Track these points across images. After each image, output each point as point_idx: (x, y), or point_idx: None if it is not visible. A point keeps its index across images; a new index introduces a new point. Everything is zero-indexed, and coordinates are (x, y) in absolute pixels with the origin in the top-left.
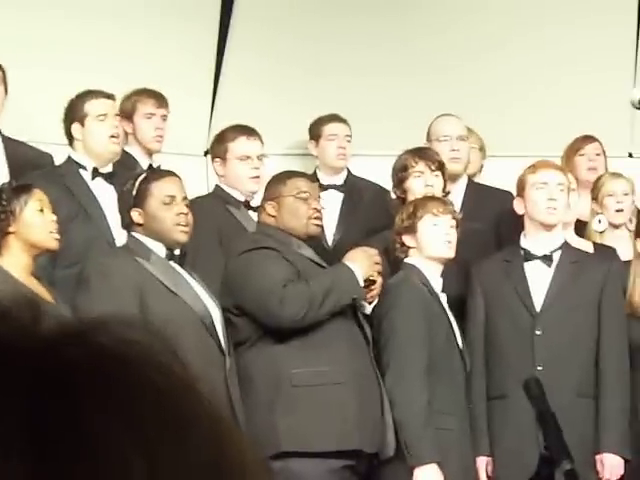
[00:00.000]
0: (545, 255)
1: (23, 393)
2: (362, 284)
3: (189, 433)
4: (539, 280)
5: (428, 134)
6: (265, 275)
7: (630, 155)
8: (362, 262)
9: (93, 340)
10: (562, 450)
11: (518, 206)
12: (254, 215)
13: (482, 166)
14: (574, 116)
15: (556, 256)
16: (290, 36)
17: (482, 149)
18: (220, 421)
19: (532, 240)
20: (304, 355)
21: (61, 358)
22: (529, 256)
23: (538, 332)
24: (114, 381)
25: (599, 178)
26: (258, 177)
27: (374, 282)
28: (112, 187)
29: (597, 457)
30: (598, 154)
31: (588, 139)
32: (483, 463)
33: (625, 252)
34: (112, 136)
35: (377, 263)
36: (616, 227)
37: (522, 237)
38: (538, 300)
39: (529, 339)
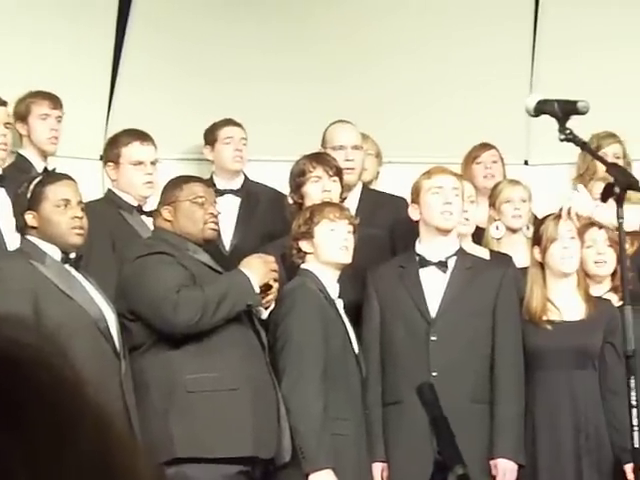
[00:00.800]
0: (440, 261)
1: None
2: (258, 290)
3: (76, 437)
4: (434, 286)
5: (323, 141)
6: (159, 280)
7: (526, 162)
8: (258, 268)
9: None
10: (455, 455)
11: (413, 212)
12: (147, 220)
13: (378, 172)
14: (471, 123)
15: (451, 262)
16: (187, 41)
17: (378, 155)
18: (110, 425)
19: (427, 246)
20: (199, 361)
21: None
22: (424, 262)
23: (433, 338)
24: (2, 383)
25: (497, 185)
26: (151, 182)
27: (270, 287)
28: (3, 190)
29: (492, 462)
30: (495, 161)
31: (485, 147)
32: (379, 469)
33: (522, 258)
34: None
35: (273, 270)
36: (513, 233)
37: (417, 243)
38: (433, 306)
39: (424, 345)
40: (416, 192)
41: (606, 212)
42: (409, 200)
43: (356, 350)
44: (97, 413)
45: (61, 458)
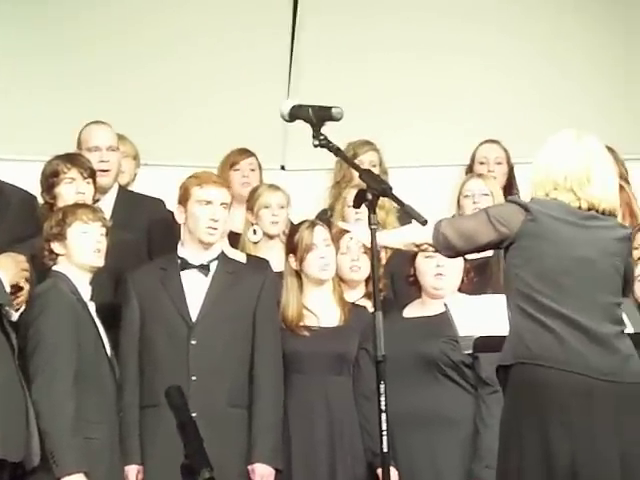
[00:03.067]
0: (202, 265)
1: None
2: (8, 289)
3: None
4: (196, 290)
5: (78, 142)
6: None
7: (283, 168)
8: (9, 268)
9: None
10: (202, 459)
11: (179, 215)
12: None
13: (135, 174)
14: (229, 128)
15: (213, 266)
16: None
17: (136, 157)
18: None
19: (189, 249)
20: None
21: None
22: (186, 265)
23: (193, 342)
24: None
25: (256, 189)
26: None
27: (21, 289)
28: None
29: (249, 467)
30: (253, 169)
31: (244, 153)
32: (134, 472)
33: (278, 263)
34: None
35: (24, 270)
36: (270, 239)
37: (179, 246)
38: (194, 310)
39: (184, 349)
40: (185, 196)
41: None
42: (173, 201)
43: (109, 353)
44: None
45: None
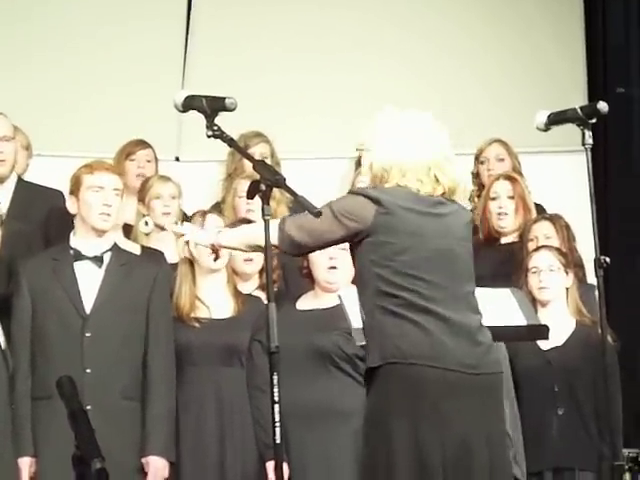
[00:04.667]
0: (95, 256)
1: None
2: None
3: None
4: (90, 281)
5: None
6: None
7: (177, 159)
8: None
9: None
10: (93, 449)
11: (71, 205)
12: None
13: (28, 165)
14: (124, 119)
15: (106, 257)
16: None
17: (28, 148)
18: None
19: (82, 240)
20: None
21: None
22: (79, 256)
23: (88, 334)
24: None
25: (147, 180)
26: None
27: None
28: None
29: (143, 460)
30: (149, 160)
31: (140, 144)
32: (27, 464)
33: (171, 254)
34: None
35: None
36: (162, 229)
37: (72, 236)
38: (88, 302)
39: (78, 341)
40: (76, 185)
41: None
42: (66, 192)
43: (2, 345)
44: None
45: None
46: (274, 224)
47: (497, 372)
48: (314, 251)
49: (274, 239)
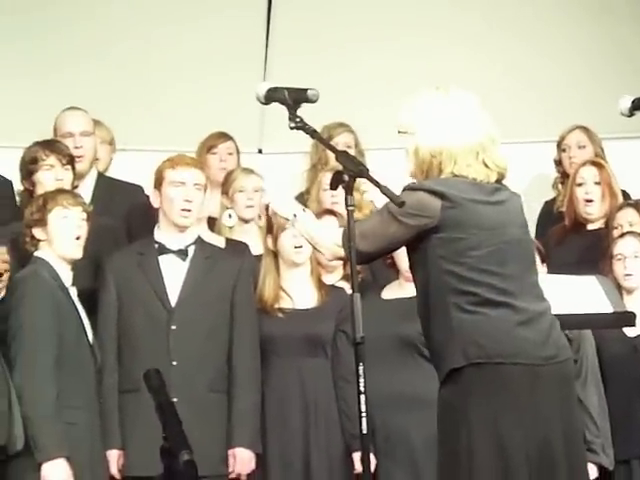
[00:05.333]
0: (180, 250)
1: None
2: None
3: None
4: (174, 275)
5: (54, 129)
6: None
7: (260, 151)
8: None
9: None
10: (181, 441)
11: (154, 199)
12: None
13: (111, 159)
14: (206, 112)
15: (191, 251)
16: None
17: (112, 142)
18: None
19: (166, 234)
20: None
21: None
22: (163, 250)
23: (173, 327)
24: None
25: (230, 173)
26: None
27: (0, 275)
28: None
29: (229, 451)
30: (231, 153)
31: (221, 137)
32: (115, 456)
33: (254, 247)
34: None
35: (4, 261)
36: (246, 222)
37: (156, 230)
38: (173, 295)
39: (164, 334)
40: (159, 180)
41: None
42: (150, 186)
43: (90, 338)
44: None
45: None
46: (340, 233)
47: (570, 357)
48: (378, 257)
49: (340, 251)
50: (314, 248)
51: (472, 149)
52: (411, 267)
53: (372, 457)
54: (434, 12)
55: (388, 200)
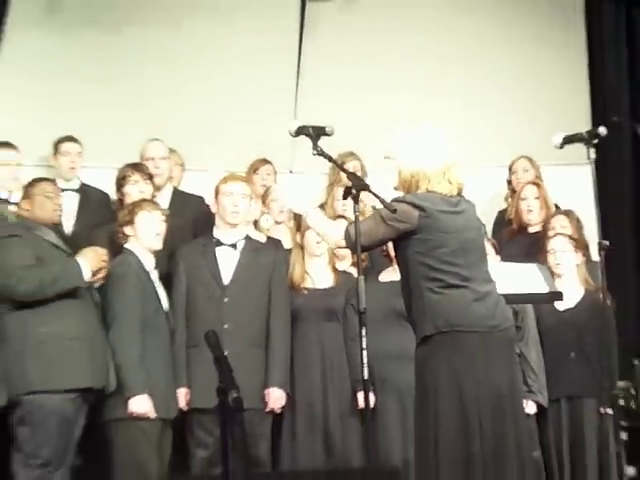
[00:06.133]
0: (232, 243)
1: None
2: (89, 274)
3: None
4: (228, 262)
5: (140, 154)
6: (7, 260)
7: (291, 172)
8: (92, 259)
9: None
10: (231, 384)
11: (213, 206)
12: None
13: (182, 177)
14: (251, 141)
15: (240, 244)
16: (47, 78)
17: (182, 165)
18: None
19: (222, 232)
20: (45, 317)
21: None
22: (219, 243)
23: (225, 300)
24: None
25: (268, 189)
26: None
27: (100, 269)
28: None
29: (266, 391)
30: (269, 173)
31: (263, 162)
32: (183, 393)
33: (285, 242)
34: None
35: (104, 260)
36: (278, 224)
37: (215, 229)
38: (226, 276)
39: (219, 304)
40: (216, 192)
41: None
42: (209, 198)
43: (165, 308)
44: None
45: None
46: (342, 229)
47: (512, 325)
48: (372, 249)
49: (342, 241)
50: (322, 238)
51: (440, 171)
52: (396, 259)
53: (371, 396)
54: (422, 69)
55: (381, 207)
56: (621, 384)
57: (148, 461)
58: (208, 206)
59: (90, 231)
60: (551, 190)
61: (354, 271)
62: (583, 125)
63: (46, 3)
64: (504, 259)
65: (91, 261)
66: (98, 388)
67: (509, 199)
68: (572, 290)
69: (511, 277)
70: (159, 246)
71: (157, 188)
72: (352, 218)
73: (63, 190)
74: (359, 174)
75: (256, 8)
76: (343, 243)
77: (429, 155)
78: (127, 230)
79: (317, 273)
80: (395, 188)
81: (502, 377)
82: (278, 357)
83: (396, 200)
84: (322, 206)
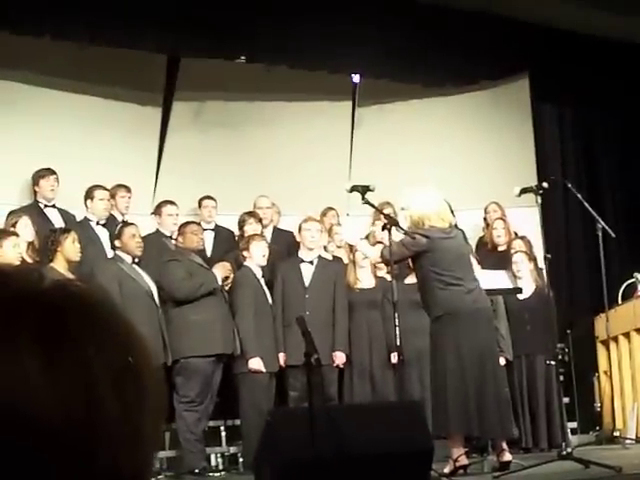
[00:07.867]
0: (310, 260)
1: (35, 317)
2: (220, 281)
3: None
4: (308, 272)
5: (254, 205)
6: (172, 274)
7: (347, 214)
8: (222, 270)
9: (73, 288)
10: (313, 349)
11: (299, 237)
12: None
13: (279, 219)
14: (322, 195)
15: (315, 260)
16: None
17: (279, 212)
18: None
19: (304, 253)
20: (195, 309)
21: (56, 298)
22: (302, 260)
23: (307, 296)
24: (86, 309)
25: (331, 226)
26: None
27: (228, 278)
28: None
29: (333, 353)
30: (333, 216)
31: (329, 209)
32: (282, 356)
33: (344, 259)
34: None
35: (229, 270)
36: (339, 248)
37: (300, 251)
38: (307, 280)
39: (303, 299)
40: (299, 229)
41: (370, 249)
42: (296, 232)
43: (270, 302)
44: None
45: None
46: (379, 251)
47: (489, 307)
48: (399, 263)
49: (379, 258)
50: (366, 256)
51: (437, 214)
52: (414, 269)
53: (399, 357)
54: (428, 150)
55: (404, 236)
56: (559, 345)
57: (261, 399)
58: (294, 237)
59: (222, 255)
60: (512, 223)
61: (388, 277)
62: (532, 180)
63: (195, 107)
64: (484, 268)
65: (222, 272)
66: (228, 353)
67: (485, 229)
68: (527, 286)
69: (488, 279)
70: (265, 263)
71: (264, 226)
72: (387, 243)
73: (204, 229)
74: (392, 216)
75: (325, 114)
76: (380, 260)
77: (430, 205)
78: (245, 253)
79: (364, 278)
80: (408, 227)
81: (485, 341)
82: (340, 332)
83: (413, 232)
84: (367, 236)
